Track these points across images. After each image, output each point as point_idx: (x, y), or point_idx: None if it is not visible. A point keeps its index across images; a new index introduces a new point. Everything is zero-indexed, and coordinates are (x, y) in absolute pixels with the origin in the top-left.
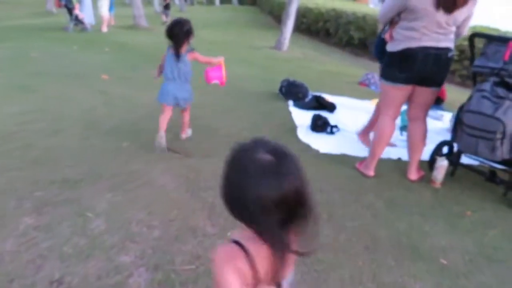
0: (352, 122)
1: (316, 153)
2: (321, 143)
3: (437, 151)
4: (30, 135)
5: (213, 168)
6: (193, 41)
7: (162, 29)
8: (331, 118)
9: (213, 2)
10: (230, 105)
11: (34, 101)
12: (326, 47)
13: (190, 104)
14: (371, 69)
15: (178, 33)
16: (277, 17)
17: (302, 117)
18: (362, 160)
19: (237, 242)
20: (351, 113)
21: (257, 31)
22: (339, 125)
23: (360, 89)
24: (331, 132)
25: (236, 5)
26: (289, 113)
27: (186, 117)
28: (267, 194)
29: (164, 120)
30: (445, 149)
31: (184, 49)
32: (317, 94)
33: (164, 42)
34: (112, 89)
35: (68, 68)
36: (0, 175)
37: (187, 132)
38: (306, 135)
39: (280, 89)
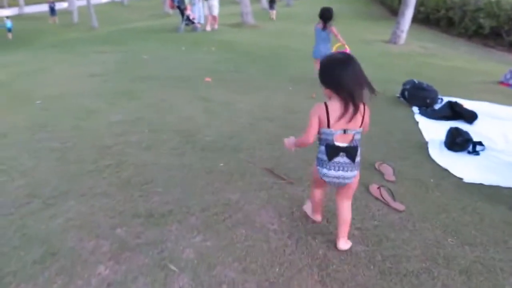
0: (501, 136)
1: (457, 182)
2: (463, 167)
3: None
4: (124, 150)
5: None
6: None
7: (269, 26)
8: (472, 131)
9: None
10: None
11: (135, 109)
12: (449, 39)
13: None
14: (509, 62)
15: (326, 14)
16: (390, 7)
17: (432, 130)
18: None
19: (324, 103)
20: (498, 124)
21: (369, 23)
22: (483, 142)
23: (503, 91)
24: (475, 152)
25: None
26: (415, 123)
27: None
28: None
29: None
30: None
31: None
32: (450, 99)
33: (269, 40)
34: (214, 94)
35: (174, 70)
36: (85, 202)
37: None
38: (440, 155)
39: (402, 93)
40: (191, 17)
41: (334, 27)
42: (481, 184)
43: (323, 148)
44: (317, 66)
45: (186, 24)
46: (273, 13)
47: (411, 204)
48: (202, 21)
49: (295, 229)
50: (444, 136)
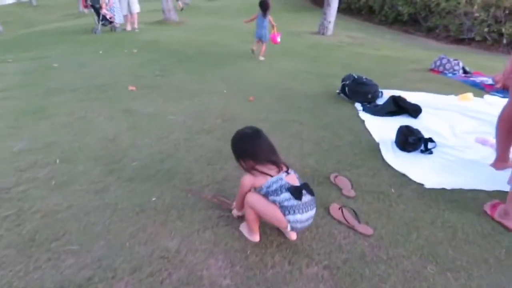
0: (448, 129)
1: (419, 189)
2: (420, 170)
3: None
4: (29, 192)
5: (280, 234)
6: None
7: (195, 22)
8: (418, 126)
9: None
10: (282, 116)
11: (45, 132)
12: (372, 27)
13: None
14: (431, 48)
15: (264, 5)
16: None
17: (380, 128)
18: (493, 201)
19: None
20: (442, 116)
21: (294, 14)
22: (433, 137)
23: (435, 79)
24: (427, 150)
25: None
26: (361, 122)
27: (263, 47)
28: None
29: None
30: None
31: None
32: (390, 91)
33: (196, 37)
34: (140, 104)
35: (92, 79)
36: None
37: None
38: (395, 158)
39: (343, 89)
40: (108, 16)
41: (271, 17)
42: (443, 189)
43: (284, 195)
44: (255, 44)
45: (103, 24)
46: (179, 4)
47: (378, 224)
48: (122, 20)
49: (252, 281)
50: (393, 134)
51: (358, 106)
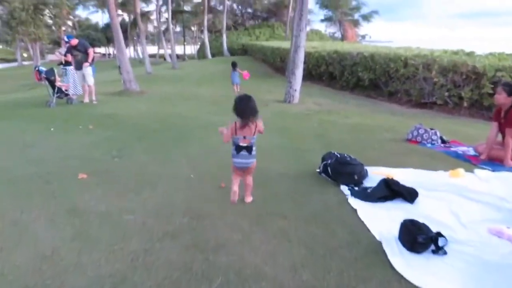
0: (453, 218)
1: None
2: (441, 282)
3: None
4: None
5: None
6: (193, 101)
7: (157, 91)
8: (417, 214)
9: (205, 55)
10: (260, 207)
11: None
12: (335, 92)
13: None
14: (398, 113)
15: (234, 64)
16: (273, 65)
17: (376, 218)
18: None
19: (235, 122)
20: (441, 199)
21: (258, 82)
22: (440, 229)
23: (415, 150)
24: (440, 249)
25: (228, 56)
26: (352, 210)
27: (238, 88)
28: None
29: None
30: None
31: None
32: (376, 170)
33: (159, 108)
34: (90, 200)
35: (37, 164)
36: None
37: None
38: (406, 265)
39: (325, 169)
40: (63, 88)
41: (238, 69)
42: None
43: (233, 147)
44: (234, 88)
45: (59, 97)
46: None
47: None
48: (80, 92)
49: None
50: (394, 227)
51: (345, 189)
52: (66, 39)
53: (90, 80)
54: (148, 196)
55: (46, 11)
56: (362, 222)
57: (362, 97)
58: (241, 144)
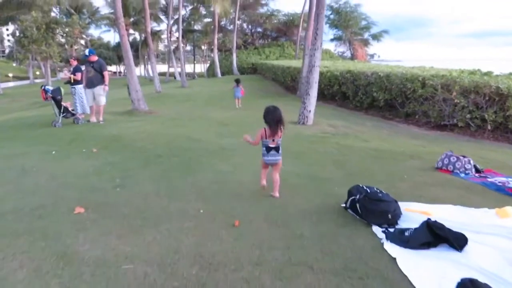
0: (509, 269)
1: None
2: None
3: None
4: None
5: None
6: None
7: (166, 111)
8: (468, 265)
9: (215, 74)
10: (282, 255)
11: None
12: (349, 113)
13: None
14: (418, 136)
15: (237, 81)
16: (283, 84)
17: (422, 272)
18: None
19: (264, 128)
20: (494, 246)
21: (269, 101)
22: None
23: (449, 181)
24: None
25: (237, 74)
26: (390, 259)
27: (239, 101)
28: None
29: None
30: None
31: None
32: (410, 206)
33: (166, 129)
34: (84, 242)
35: (29, 196)
36: None
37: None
38: None
39: (352, 205)
40: (70, 108)
41: (242, 87)
42: None
43: (263, 148)
44: (236, 101)
45: (65, 117)
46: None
47: None
48: (88, 111)
49: None
50: (445, 284)
51: (378, 231)
52: (87, 53)
53: (102, 100)
54: (152, 239)
55: (58, 30)
56: (405, 276)
57: (377, 118)
58: (270, 145)
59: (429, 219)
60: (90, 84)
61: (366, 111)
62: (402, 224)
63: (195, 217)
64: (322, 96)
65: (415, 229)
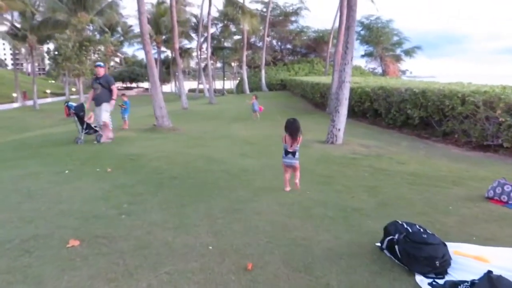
0: None
1: None
2: None
3: None
4: None
5: None
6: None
7: (191, 128)
8: None
9: (243, 90)
10: None
11: None
12: (381, 131)
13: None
14: (460, 159)
15: (256, 96)
16: (311, 101)
17: None
18: None
19: (286, 135)
20: None
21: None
22: None
23: (504, 215)
24: None
25: (266, 91)
26: None
27: (257, 114)
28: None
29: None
30: None
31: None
32: (461, 249)
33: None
34: (67, 286)
35: (26, 225)
36: None
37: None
38: None
39: (390, 247)
40: (93, 125)
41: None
42: None
43: (283, 151)
44: (254, 115)
45: (87, 133)
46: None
47: None
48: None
49: None
50: None
51: (423, 283)
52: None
53: (104, 117)
54: (146, 286)
55: (91, 48)
56: None
57: (412, 137)
58: (288, 150)
59: (490, 271)
60: (98, 102)
61: (399, 130)
62: (453, 273)
63: (202, 255)
64: (353, 113)
65: (473, 283)
